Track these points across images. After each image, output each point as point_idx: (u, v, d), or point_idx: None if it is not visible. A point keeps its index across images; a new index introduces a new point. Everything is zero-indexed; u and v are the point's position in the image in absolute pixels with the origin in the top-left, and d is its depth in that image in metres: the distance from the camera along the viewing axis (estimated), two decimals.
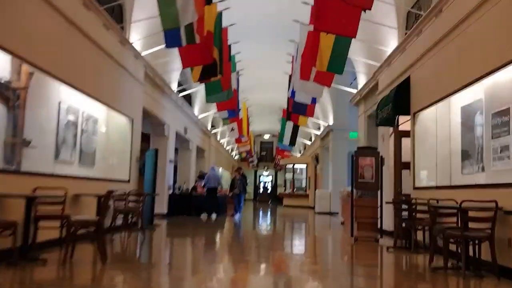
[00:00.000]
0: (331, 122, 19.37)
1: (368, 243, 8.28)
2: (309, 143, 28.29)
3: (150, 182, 10.29)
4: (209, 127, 22.69)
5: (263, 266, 6.17)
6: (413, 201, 7.09)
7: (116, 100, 8.98)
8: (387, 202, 7.87)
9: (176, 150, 19.01)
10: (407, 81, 8.41)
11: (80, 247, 5.77)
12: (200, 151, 21.70)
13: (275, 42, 14.66)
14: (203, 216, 14.26)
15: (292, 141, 19.39)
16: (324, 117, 20.73)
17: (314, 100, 11.47)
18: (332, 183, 19.03)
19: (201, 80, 9.44)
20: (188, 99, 18.16)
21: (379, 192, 8.60)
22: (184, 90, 15.52)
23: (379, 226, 8.68)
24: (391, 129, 9.47)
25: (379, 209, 8.43)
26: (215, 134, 26.27)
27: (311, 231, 12.25)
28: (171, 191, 14.66)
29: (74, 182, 7.01)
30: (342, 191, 12.55)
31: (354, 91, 13.59)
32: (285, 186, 31.40)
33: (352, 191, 8.64)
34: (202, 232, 10.36)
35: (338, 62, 8.17)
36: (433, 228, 5.62)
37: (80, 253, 5.68)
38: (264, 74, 20.77)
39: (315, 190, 21.93)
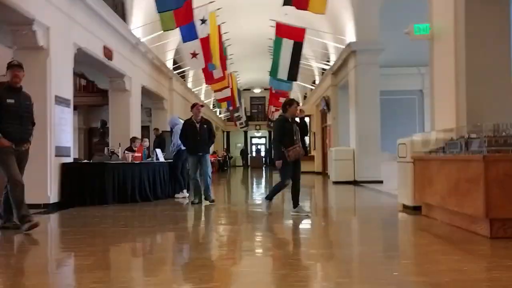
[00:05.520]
0: (352, 38, 12.20)
1: None
2: (310, 88, 21.15)
3: None
4: (169, 64, 15.46)
5: None
6: None
7: None
8: None
9: (105, 92, 11.98)
10: None
11: None
12: (156, 99, 14.62)
13: None
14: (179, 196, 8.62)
15: (292, 73, 12.35)
16: (337, 35, 13.46)
17: None
18: (357, 137, 12.16)
19: None
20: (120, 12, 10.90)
21: None
22: None
23: None
24: None
25: None
26: (184, 78, 18.99)
27: (371, 251, 5.37)
28: (70, 159, 7.71)
29: None
30: (421, 138, 5.65)
31: None
32: None
33: None
34: None
35: None
36: None
37: None
38: None
39: (328, 148, 15.11)
